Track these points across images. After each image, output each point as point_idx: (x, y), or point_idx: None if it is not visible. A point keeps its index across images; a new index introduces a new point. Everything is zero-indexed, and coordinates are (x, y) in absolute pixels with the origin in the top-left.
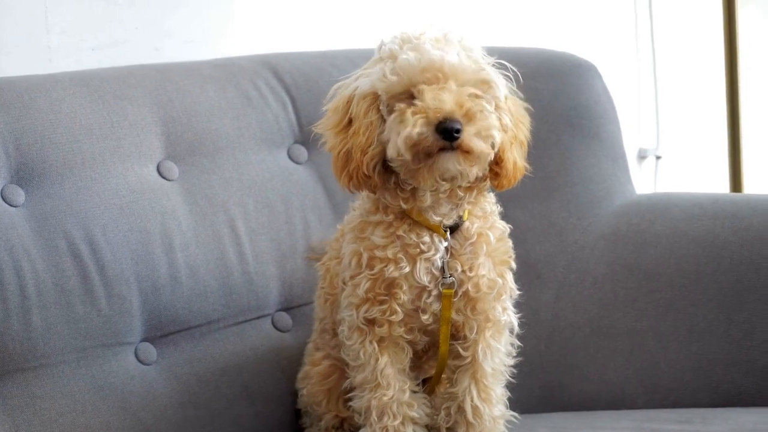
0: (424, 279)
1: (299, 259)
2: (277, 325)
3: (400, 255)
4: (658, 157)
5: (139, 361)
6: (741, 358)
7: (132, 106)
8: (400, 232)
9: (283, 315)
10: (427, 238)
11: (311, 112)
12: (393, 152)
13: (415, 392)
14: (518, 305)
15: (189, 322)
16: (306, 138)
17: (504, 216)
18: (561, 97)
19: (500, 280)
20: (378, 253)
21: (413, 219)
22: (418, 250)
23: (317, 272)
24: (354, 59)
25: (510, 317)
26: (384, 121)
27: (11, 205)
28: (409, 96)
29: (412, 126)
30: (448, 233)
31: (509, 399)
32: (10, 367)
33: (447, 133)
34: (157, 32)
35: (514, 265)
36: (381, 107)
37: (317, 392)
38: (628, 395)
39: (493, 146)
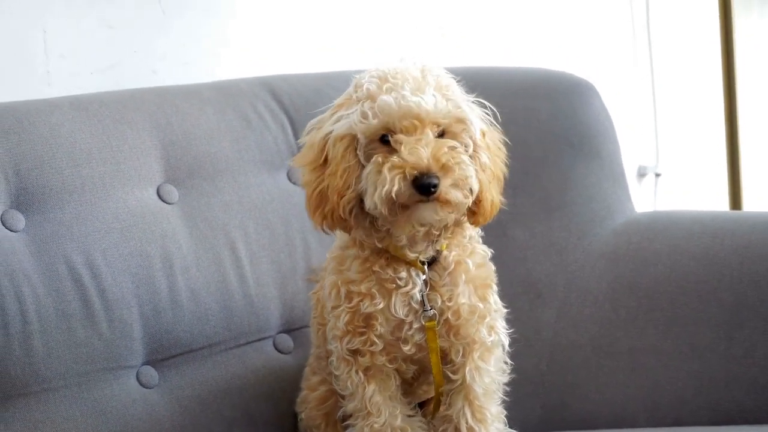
0: (400, 313)
1: (300, 281)
2: (278, 347)
3: (374, 290)
4: (657, 175)
5: (141, 384)
6: (742, 376)
7: (131, 129)
8: (376, 268)
9: (285, 337)
10: (404, 274)
11: None
12: (370, 204)
13: (410, 416)
14: (519, 324)
15: (190, 345)
16: None
17: (504, 235)
18: (560, 117)
19: (481, 305)
20: (353, 288)
21: (390, 253)
22: (394, 285)
23: (310, 301)
24: (352, 80)
25: (499, 336)
26: (361, 164)
27: (11, 231)
28: (386, 140)
29: (390, 183)
30: (426, 266)
31: (511, 418)
32: (12, 392)
33: (424, 188)
34: (155, 55)
35: (495, 287)
36: (358, 150)
37: (315, 416)
38: (629, 413)
39: (471, 193)
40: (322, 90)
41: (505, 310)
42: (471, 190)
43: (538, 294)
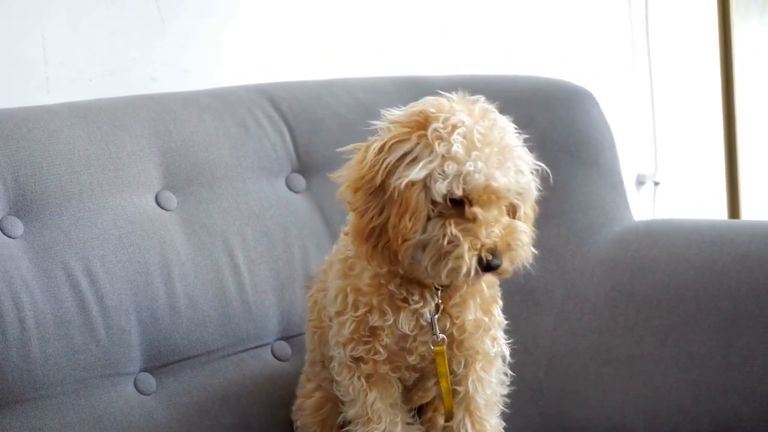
0: (406, 328)
1: (298, 288)
2: (276, 354)
3: (385, 306)
4: (656, 183)
5: (139, 391)
6: (740, 385)
7: (130, 136)
8: (390, 286)
9: (282, 344)
10: (417, 296)
11: (309, 141)
12: (428, 264)
13: (410, 424)
14: (517, 332)
15: (188, 351)
16: (304, 167)
17: None
18: (558, 125)
19: (486, 318)
20: (361, 298)
21: (404, 275)
22: (406, 303)
23: (306, 304)
24: (351, 88)
25: (501, 347)
26: (428, 215)
27: (9, 237)
28: (456, 202)
29: (467, 264)
30: (438, 291)
31: (509, 426)
32: (9, 399)
33: (489, 268)
34: (154, 62)
35: (500, 302)
36: (427, 202)
37: (311, 423)
38: (627, 421)
39: (516, 266)
40: (320, 97)
41: (506, 322)
42: (519, 265)
43: (536, 302)
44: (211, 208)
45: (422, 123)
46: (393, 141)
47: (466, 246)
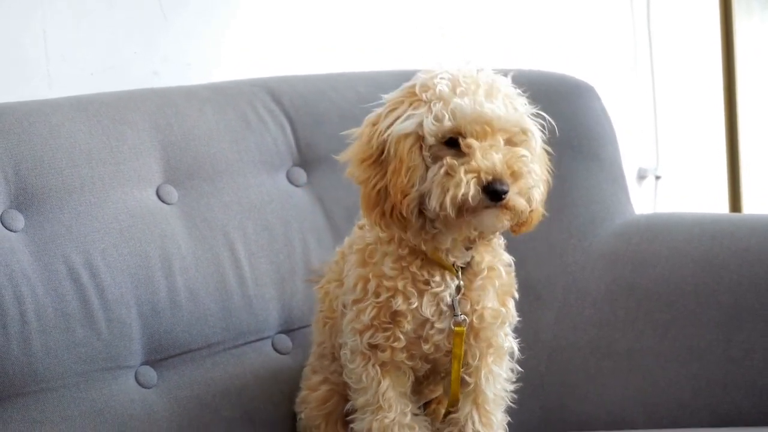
0: (428, 312)
1: (299, 282)
2: (277, 347)
3: (410, 289)
4: (657, 177)
5: (139, 384)
6: (740, 379)
7: (131, 130)
8: (412, 268)
9: (283, 337)
10: (438, 277)
11: (310, 135)
12: (436, 204)
13: (416, 415)
14: (518, 326)
15: (189, 345)
16: (305, 161)
17: (504, 236)
18: (560, 119)
19: (503, 310)
20: (386, 283)
21: (426, 255)
22: (428, 286)
23: (315, 296)
24: (352, 82)
25: (511, 342)
26: (425, 165)
27: (11, 231)
28: (452, 143)
29: (465, 187)
30: (459, 272)
31: (510, 419)
32: (10, 392)
33: (495, 194)
34: (156, 56)
35: (516, 295)
36: (424, 150)
37: (315, 416)
38: (627, 415)
39: (530, 203)
40: (322, 91)
41: (518, 319)
42: (530, 200)
43: (537, 295)
44: (212, 201)
45: (414, 92)
46: (387, 111)
47: (462, 170)
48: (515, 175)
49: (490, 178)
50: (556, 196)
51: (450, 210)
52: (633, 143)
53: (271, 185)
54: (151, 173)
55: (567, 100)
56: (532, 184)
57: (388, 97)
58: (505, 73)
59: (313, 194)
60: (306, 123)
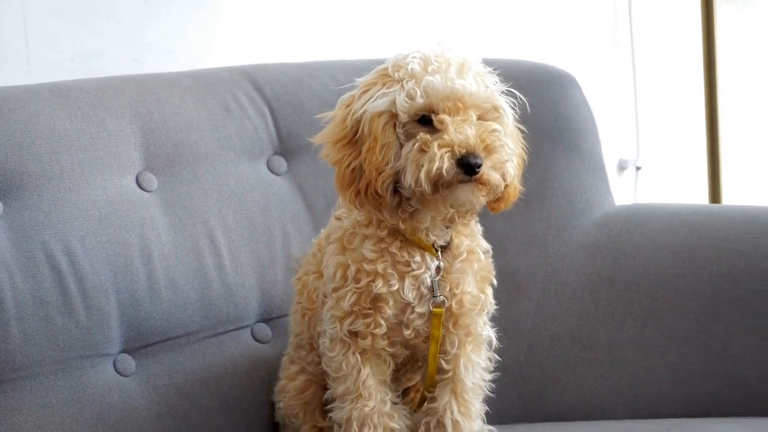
0: (410, 296)
1: (279, 271)
2: (256, 336)
3: (390, 271)
4: (638, 168)
5: (118, 372)
6: (718, 369)
7: (111, 117)
8: (392, 249)
9: (263, 326)
10: (418, 258)
11: (291, 123)
12: (411, 180)
13: (396, 403)
14: (498, 317)
15: (168, 333)
16: (285, 149)
17: (484, 227)
18: (541, 109)
19: (482, 296)
20: (366, 267)
21: (405, 237)
22: (408, 268)
23: (293, 287)
24: (334, 71)
25: (489, 332)
26: (399, 142)
27: None
28: (425, 120)
29: (439, 160)
30: (439, 252)
31: (489, 409)
32: None
33: (469, 167)
34: (137, 43)
35: (494, 282)
36: (397, 128)
37: (294, 405)
38: (607, 406)
39: (504, 178)
40: (302, 79)
41: (495, 308)
42: (505, 176)
43: (517, 286)
44: (191, 189)
45: (387, 73)
46: (360, 92)
47: (435, 144)
48: (488, 149)
49: (463, 151)
50: (536, 186)
51: (425, 185)
52: (614, 134)
53: (251, 173)
54: (130, 160)
55: (548, 89)
56: (506, 158)
57: (362, 79)
58: (485, 63)
59: (294, 183)
60: (287, 111)
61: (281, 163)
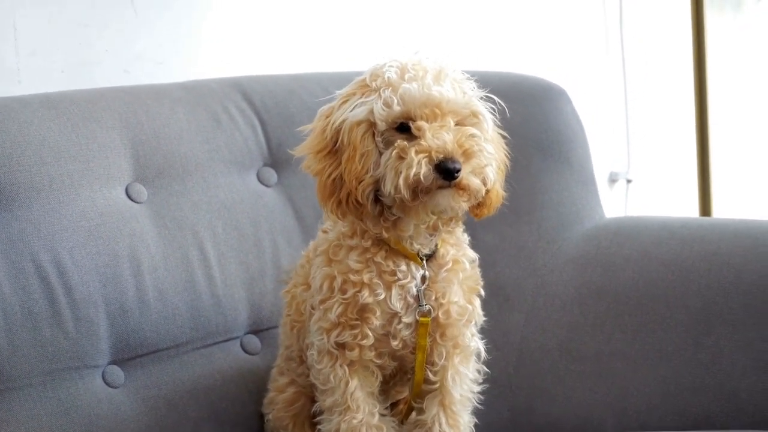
0: (397, 305)
1: (268, 282)
2: (245, 348)
3: (376, 281)
4: (628, 181)
5: (107, 384)
6: (709, 382)
7: (101, 128)
8: (377, 259)
9: (252, 338)
10: (403, 267)
11: (281, 134)
12: (390, 188)
13: (384, 416)
14: (487, 328)
15: (157, 345)
16: (275, 161)
17: (473, 239)
18: (531, 122)
19: (470, 307)
20: (352, 277)
21: (390, 246)
22: (395, 277)
23: (282, 300)
24: (324, 82)
25: (477, 343)
26: (378, 151)
27: None
28: (404, 128)
29: (417, 166)
30: (424, 261)
31: (478, 422)
32: None
33: (447, 173)
34: (127, 55)
35: (482, 293)
36: (376, 137)
37: (283, 417)
38: (596, 418)
39: (485, 182)
40: (293, 91)
41: (484, 319)
42: (485, 181)
43: (506, 298)
44: (181, 201)
45: (365, 83)
46: (339, 103)
47: (413, 150)
48: (467, 154)
49: (441, 156)
50: (525, 198)
51: (404, 192)
52: (604, 147)
53: (241, 185)
54: (120, 172)
55: (538, 102)
56: (485, 162)
57: (341, 91)
58: (475, 75)
59: (284, 194)
60: (277, 123)
61: (271, 175)
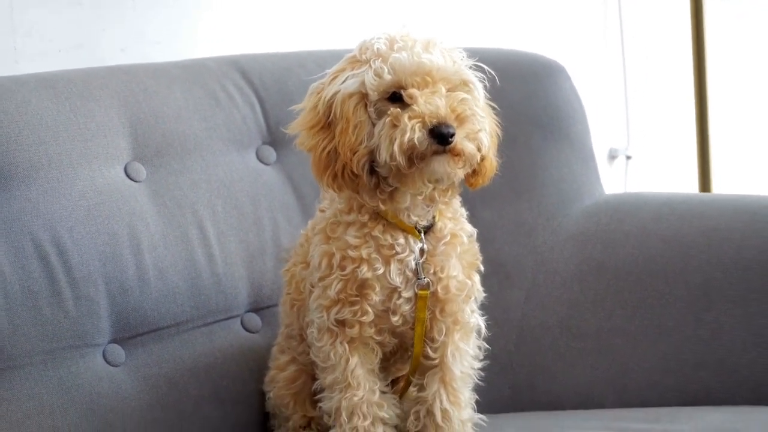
0: (397, 280)
1: (268, 260)
2: (246, 326)
3: (374, 255)
4: (628, 157)
5: (107, 362)
6: (709, 358)
7: (99, 107)
8: (375, 233)
9: (252, 316)
10: (402, 240)
11: (279, 113)
12: (386, 156)
13: (384, 393)
14: (487, 306)
15: (157, 323)
16: (274, 139)
17: (473, 216)
18: (530, 98)
19: (469, 282)
20: (351, 253)
21: (387, 220)
22: (393, 251)
23: (282, 279)
24: (322, 60)
25: (477, 320)
26: (371, 121)
27: None
28: (396, 98)
29: (411, 131)
30: (422, 234)
31: (479, 398)
32: None
33: (442, 137)
34: (124, 34)
35: (482, 268)
36: (369, 108)
37: (284, 395)
38: (596, 395)
39: (479, 148)
40: (291, 69)
41: (484, 295)
42: (480, 146)
43: (506, 275)
44: (180, 179)
45: (355, 58)
46: (330, 78)
47: (406, 116)
48: (460, 119)
49: (435, 121)
50: (525, 175)
51: (399, 158)
52: (604, 123)
53: (240, 163)
54: (119, 151)
55: (537, 79)
56: (479, 127)
57: (331, 69)
58: (474, 52)
59: (283, 172)
60: (275, 101)
61: (270, 153)
